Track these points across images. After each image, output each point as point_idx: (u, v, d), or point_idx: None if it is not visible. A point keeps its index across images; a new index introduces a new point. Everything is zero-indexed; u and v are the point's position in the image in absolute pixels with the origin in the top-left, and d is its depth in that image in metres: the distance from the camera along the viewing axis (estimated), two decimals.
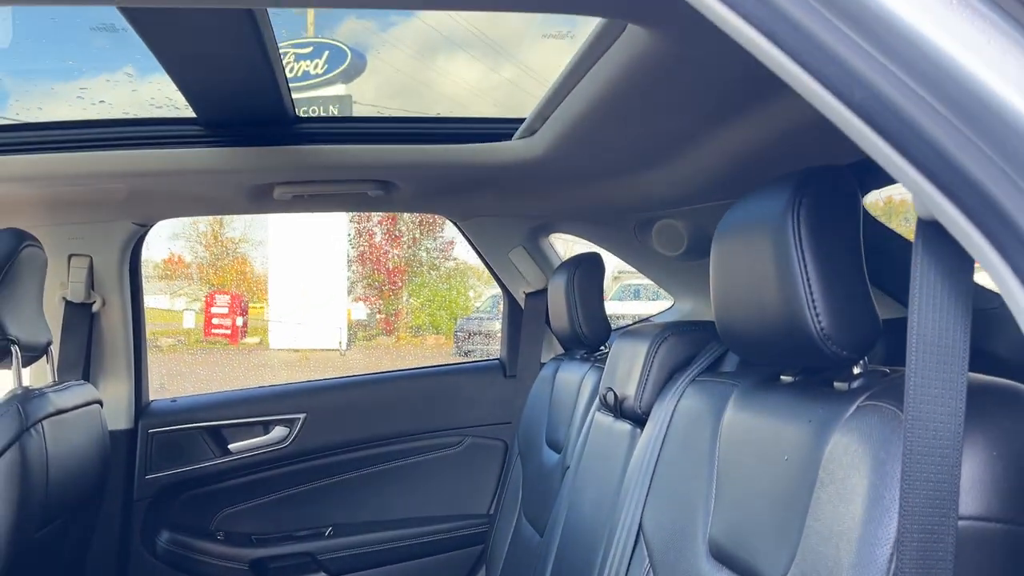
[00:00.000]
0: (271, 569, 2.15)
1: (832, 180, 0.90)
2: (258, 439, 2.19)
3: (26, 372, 1.62)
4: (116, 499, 2.02)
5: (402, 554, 2.19)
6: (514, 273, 2.28)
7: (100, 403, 1.81)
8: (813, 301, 0.85)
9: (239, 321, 12.75)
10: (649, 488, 1.20)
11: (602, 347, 1.85)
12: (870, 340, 0.87)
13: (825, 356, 0.86)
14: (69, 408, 1.62)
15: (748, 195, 1.00)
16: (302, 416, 2.21)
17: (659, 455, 1.20)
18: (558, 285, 1.88)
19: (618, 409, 1.43)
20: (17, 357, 1.53)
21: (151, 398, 2.17)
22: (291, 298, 14.09)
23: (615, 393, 1.43)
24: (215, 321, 12.61)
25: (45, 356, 1.71)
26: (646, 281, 2.44)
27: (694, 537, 1.06)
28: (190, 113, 1.59)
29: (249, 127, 1.64)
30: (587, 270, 1.83)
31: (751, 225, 0.96)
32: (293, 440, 2.19)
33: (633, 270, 2.29)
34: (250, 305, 13.94)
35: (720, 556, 0.99)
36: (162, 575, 2.07)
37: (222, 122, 1.64)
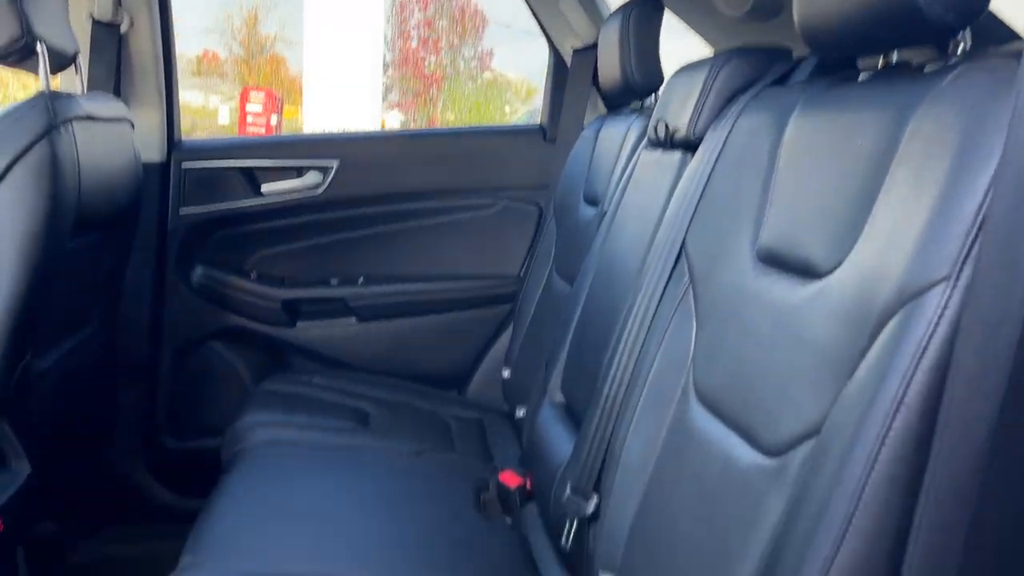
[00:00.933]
0: (302, 312, 2.18)
1: None
2: (291, 182, 2.16)
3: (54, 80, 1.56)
4: (151, 230, 2.02)
5: (431, 307, 2.21)
6: (563, 24, 2.14)
7: (131, 123, 1.76)
8: None
9: (273, 120, 12.53)
10: (696, 208, 1.14)
11: (653, 96, 1.76)
12: (980, 3, 0.77)
13: (924, 22, 0.77)
14: (100, 117, 1.58)
15: None
16: (335, 163, 2.16)
17: (711, 174, 1.14)
18: (611, 28, 1.75)
19: (668, 141, 1.35)
20: (44, 56, 1.47)
21: (180, 135, 2.13)
22: (326, 101, 13.86)
23: (667, 124, 1.35)
24: (250, 119, 12.38)
25: (74, 68, 1.65)
26: None
27: (740, 248, 1.01)
28: None
29: None
30: (645, 12, 1.70)
31: None
32: (327, 187, 2.16)
33: None
34: (284, 107, 13.71)
35: (769, 259, 0.95)
36: (196, 304, 2.11)
37: None
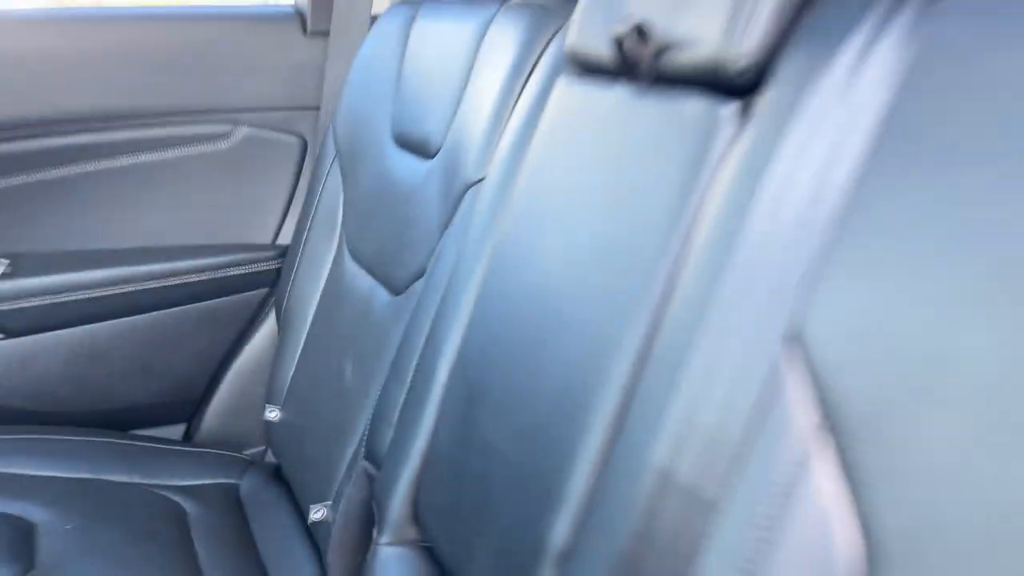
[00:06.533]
0: None
1: None
2: None
3: None
4: None
5: (132, 304, 1.37)
6: None
7: None
8: None
9: None
10: (831, 252, 0.50)
11: None
12: None
13: None
14: None
15: None
16: None
17: (864, 171, 0.49)
18: None
19: (653, 63, 0.67)
20: None
21: None
22: None
23: (653, 33, 0.66)
24: None
25: None
26: None
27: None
28: None
29: None
30: None
31: None
32: None
33: None
34: None
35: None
36: None
37: None
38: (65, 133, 1.35)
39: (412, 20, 1.20)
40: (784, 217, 0.52)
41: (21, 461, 1.16)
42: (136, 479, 1.20)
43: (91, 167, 1.37)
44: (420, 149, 1.08)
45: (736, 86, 0.60)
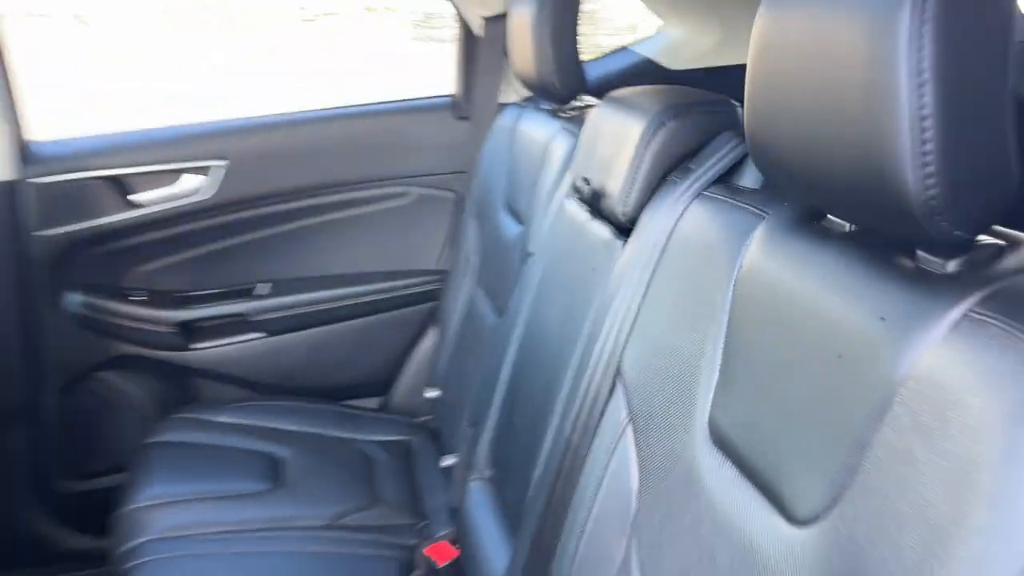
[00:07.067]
0: (203, 332, 1.95)
1: None
2: (170, 189, 1.88)
3: None
4: (8, 261, 1.75)
5: (347, 313, 2.00)
6: None
7: None
8: (923, 149, 0.55)
9: None
10: (633, 325, 0.96)
11: (575, 100, 1.52)
12: (995, 212, 0.58)
13: (921, 227, 0.58)
14: None
15: None
16: (223, 163, 1.88)
17: (648, 285, 0.95)
18: (522, 13, 1.49)
19: (595, 208, 1.14)
20: None
21: (27, 138, 1.80)
22: None
23: (593, 189, 1.13)
24: None
25: None
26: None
27: (688, 410, 0.84)
28: None
29: None
30: None
31: None
32: (216, 191, 1.89)
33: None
34: None
35: (724, 447, 0.78)
36: (74, 336, 1.86)
37: None
38: (299, 199, 1.98)
39: (519, 118, 1.69)
40: (626, 296, 0.98)
41: (274, 418, 1.81)
42: (345, 434, 1.82)
43: (315, 220, 2.00)
44: (516, 217, 1.58)
45: (624, 227, 1.05)
